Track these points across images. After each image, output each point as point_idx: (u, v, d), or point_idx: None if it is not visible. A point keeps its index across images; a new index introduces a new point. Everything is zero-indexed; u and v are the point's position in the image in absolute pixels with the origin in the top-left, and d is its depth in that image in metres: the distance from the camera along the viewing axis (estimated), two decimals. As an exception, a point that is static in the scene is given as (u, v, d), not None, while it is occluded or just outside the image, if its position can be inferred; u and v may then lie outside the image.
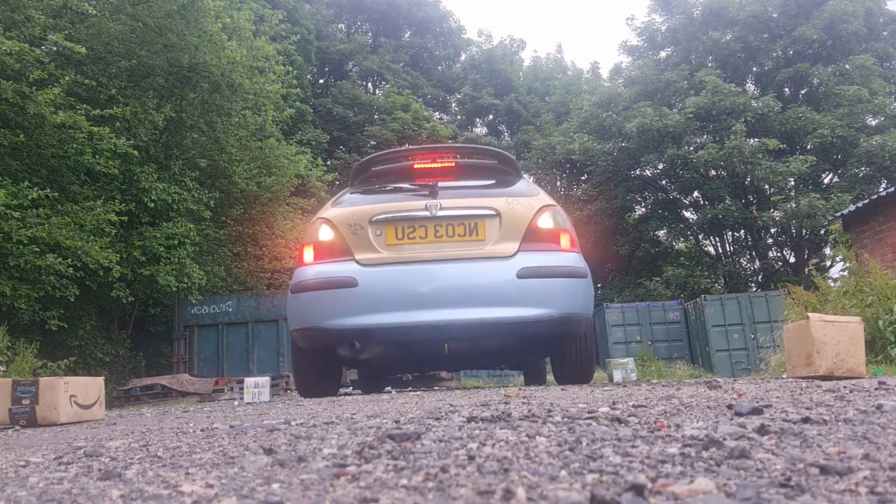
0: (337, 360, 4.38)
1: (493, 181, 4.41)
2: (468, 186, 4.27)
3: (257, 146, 13.83)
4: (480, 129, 30.76)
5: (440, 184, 4.15)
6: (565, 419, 1.55)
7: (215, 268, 13.37)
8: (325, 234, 3.96)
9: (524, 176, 4.68)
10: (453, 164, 4.53)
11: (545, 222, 3.94)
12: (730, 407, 1.63)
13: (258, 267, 15.33)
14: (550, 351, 4.49)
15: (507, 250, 3.83)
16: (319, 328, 3.82)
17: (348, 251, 3.88)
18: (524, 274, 3.74)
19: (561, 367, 4.36)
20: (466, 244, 3.88)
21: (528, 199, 4.03)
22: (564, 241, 3.97)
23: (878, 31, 22.85)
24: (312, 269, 3.94)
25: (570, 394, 2.61)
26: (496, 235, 3.87)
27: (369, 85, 30.02)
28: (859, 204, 10.25)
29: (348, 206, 4.10)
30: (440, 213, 3.88)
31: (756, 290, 20.26)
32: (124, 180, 11.04)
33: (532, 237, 3.88)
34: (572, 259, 3.94)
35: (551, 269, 3.83)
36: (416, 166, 4.43)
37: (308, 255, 4.02)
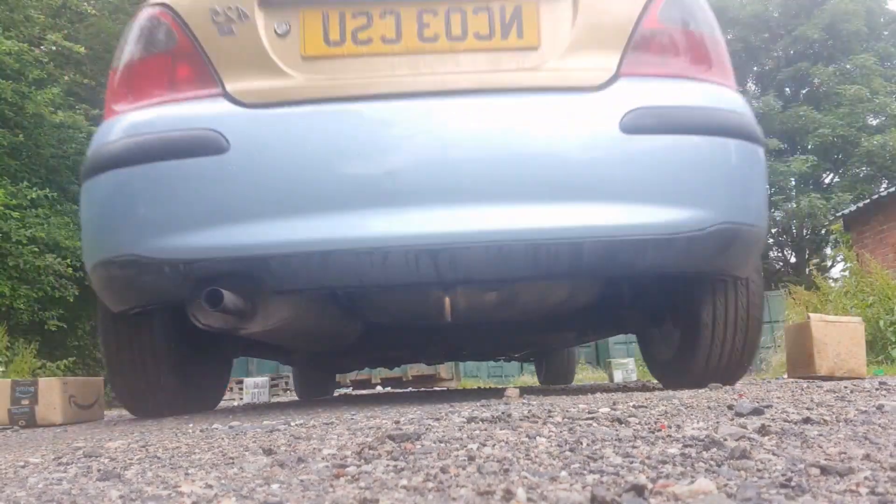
0: (200, 338, 2.27)
1: None
2: None
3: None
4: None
5: None
6: (566, 419, 1.55)
7: (215, 268, 13.38)
8: (161, 36, 1.87)
9: None
10: None
11: (672, 17, 1.86)
12: (730, 407, 1.63)
13: (258, 267, 15.33)
14: (671, 311, 2.36)
15: (594, 72, 1.82)
16: (141, 258, 1.77)
17: (210, 74, 1.83)
18: (639, 123, 1.75)
19: (693, 347, 2.20)
20: (497, 56, 1.84)
21: None
22: (713, 58, 1.92)
23: (878, 31, 22.86)
24: (130, 118, 1.87)
25: (570, 394, 2.61)
26: (566, 38, 1.82)
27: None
28: (860, 204, 10.26)
29: None
30: None
31: (756, 290, 20.24)
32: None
33: (646, 45, 1.84)
34: (731, 100, 1.93)
35: (697, 115, 1.82)
36: None
37: (123, 87, 1.90)
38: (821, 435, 1.20)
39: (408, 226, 1.69)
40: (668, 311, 2.35)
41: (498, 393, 3.15)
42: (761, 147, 1.97)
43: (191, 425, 2.19)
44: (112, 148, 1.83)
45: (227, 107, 1.80)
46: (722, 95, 1.92)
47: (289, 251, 1.71)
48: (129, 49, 1.92)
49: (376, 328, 2.60)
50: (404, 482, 0.96)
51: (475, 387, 9.46)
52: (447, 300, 2.02)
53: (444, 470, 1.02)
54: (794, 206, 18.91)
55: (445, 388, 9.53)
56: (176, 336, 2.24)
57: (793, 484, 0.86)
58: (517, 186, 1.72)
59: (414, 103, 1.79)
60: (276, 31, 1.82)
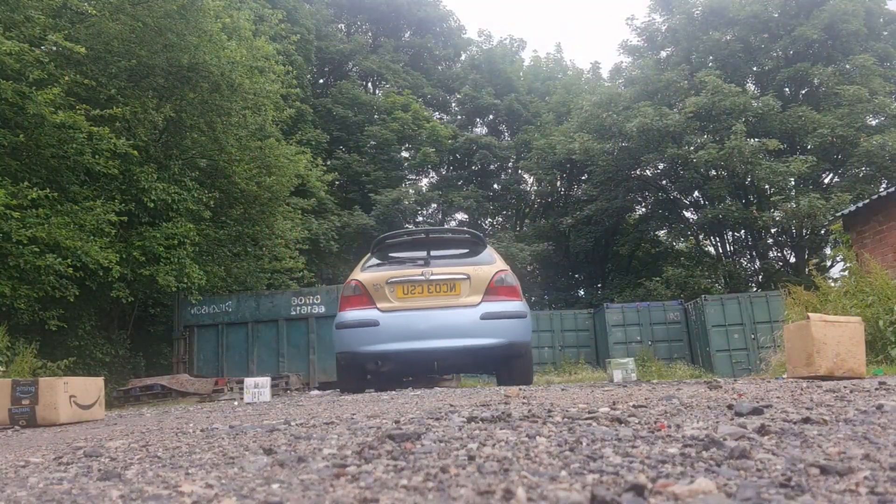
0: (364, 370, 6.11)
1: (467, 250, 6.25)
2: (450, 256, 6.10)
3: (257, 146, 13.80)
4: (480, 129, 30.74)
5: (432, 252, 6.08)
6: (565, 419, 1.55)
7: (215, 268, 13.36)
8: (357, 290, 5.82)
9: (488, 245, 6.42)
10: (440, 239, 6.49)
11: (499, 282, 5.80)
12: (730, 407, 1.63)
13: (258, 267, 15.32)
14: (503, 364, 6.11)
15: (475, 301, 5.71)
16: (356, 352, 5.68)
17: (372, 302, 5.73)
18: (485, 317, 5.62)
19: (510, 374, 6.04)
20: (448, 297, 5.74)
21: (488, 266, 5.89)
22: (512, 293, 5.84)
23: (878, 31, 22.85)
24: (350, 313, 5.77)
25: (570, 394, 2.61)
26: (467, 291, 5.75)
27: (369, 85, 30.01)
28: (859, 204, 10.24)
29: (371, 272, 5.94)
30: (431, 278, 5.76)
31: (756, 291, 20.25)
32: (124, 180, 11.04)
33: (490, 292, 5.73)
34: (516, 306, 5.79)
35: (502, 314, 5.66)
36: (415, 242, 6.36)
37: (346, 303, 5.86)
38: (820, 435, 1.20)
39: (424, 345, 5.57)
40: (501, 362, 6.04)
41: (497, 393, 3.14)
42: (527, 318, 5.85)
43: (191, 425, 2.18)
44: (347, 322, 5.72)
45: (377, 312, 5.64)
46: (517, 304, 5.76)
47: (394, 351, 5.60)
48: (347, 291, 5.84)
49: (415, 367, 6.46)
50: (404, 482, 0.96)
51: (475, 386, 9.45)
52: (436, 363, 5.96)
53: (444, 469, 1.02)
54: (794, 206, 18.89)
55: (446, 388, 9.52)
56: (361, 370, 5.96)
57: (792, 483, 0.86)
58: (452, 334, 5.56)
59: (426, 311, 5.65)
60: (390, 292, 5.73)
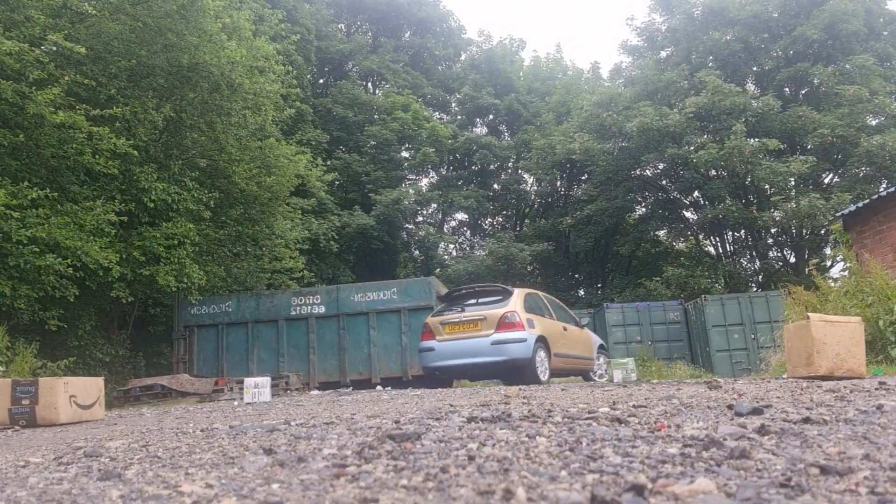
0: (435, 376, 8.95)
1: (499, 297, 8.97)
2: (482, 303, 8.96)
3: (257, 146, 13.78)
4: (480, 129, 30.73)
5: (478, 300, 9.07)
6: (565, 419, 1.55)
7: (215, 268, 13.34)
8: (426, 328, 8.96)
9: (513, 293, 9.02)
10: (480, 291, 9.44)
11: (505, 319, 8.45)
12: (730, 407, 1.63)
13: (258, 267, 15.31)
14: (513, 372, 8.52)
15: (489, 333, 8.43)
16: (427, 366, 8.81)
17: (434, 335, 8.81)
18: (495, 342, 8.34)
19: (521, 378, 8.38)
20: (473, 331, 8.56)
21: (500, 309, 8.59)
22: (515, 327, 8.40)
23: (878, 31, 22.84)
24: (424, 342, 8.88)
25: (570, 394, 2.61)
26: (485, 326, 8.51)
27: (369, 85, 29.99)
28: (859, 204, 10.24)
29: (435, 317, 9.08)
30: (463, 319, 8.70)
31: (756, 291, 20.24)
32: (124, 180, 11.03)
33: (500, 326, 8.42)
34: (518, 334, 8.36)
35: (507, 340, 8.31)
36: (467, 294, 9.46)
37: (423, 336, 9.00)
38: (820, 435, 1.20)
39: (460, 362, 8.66)
40: (511, 371, 8.51)
41: (498, 393, 3.15)
42: (527, 342, 8.45)
43: (191, 425, 2.18)
44: (422, 348, 9.07)
45: (435, 342, 8.87)
46: (521, 333, 8.47)
47: (444, 366, 8.76)
48: (423, 329, 9.25)
49: (458, 374, 9.16)
50: (404, 482, 0.96)
51: (475, 386, 9.47)
52: (468, 372, 9.10)
53: (444, 470, 1.02)
54: (794, 206, 18.87)
55: (445, 388, 9.61)
56: (434, 376, 9.09)
57: (792, 483, 0.86)
58: (475, 354, 8.56)
59: (461, 340, 8.70)
60: (442, 328, 8.92)
